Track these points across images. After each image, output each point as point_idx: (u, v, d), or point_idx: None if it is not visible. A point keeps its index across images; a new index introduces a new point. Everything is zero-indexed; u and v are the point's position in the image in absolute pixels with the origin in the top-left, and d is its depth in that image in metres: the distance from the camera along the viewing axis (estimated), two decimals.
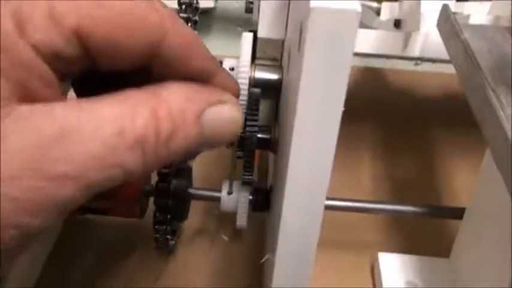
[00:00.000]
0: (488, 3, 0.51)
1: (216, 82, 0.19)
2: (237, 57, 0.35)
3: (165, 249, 0.40)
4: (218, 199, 0.37)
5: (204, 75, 0.18)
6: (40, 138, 0.15)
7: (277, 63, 0.38)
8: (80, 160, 0.15)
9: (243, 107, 0.33)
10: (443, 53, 0.38)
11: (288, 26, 0.35)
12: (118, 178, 0.16)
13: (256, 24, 0.36)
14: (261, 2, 0.35)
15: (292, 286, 0.27)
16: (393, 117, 0.58)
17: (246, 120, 0.33)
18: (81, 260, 0.41)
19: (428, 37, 0.46)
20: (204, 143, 0.17)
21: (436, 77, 0.63)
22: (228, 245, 0.43)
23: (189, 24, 0.36)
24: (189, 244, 0.43)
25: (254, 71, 0.35)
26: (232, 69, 0.34)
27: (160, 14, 0.17)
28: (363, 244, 0.43)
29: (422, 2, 0.47)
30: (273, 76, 0.35)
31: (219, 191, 0.37)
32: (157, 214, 0.37)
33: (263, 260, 0.29)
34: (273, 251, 0.27)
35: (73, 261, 0.40)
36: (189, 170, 0.39)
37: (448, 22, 0.37)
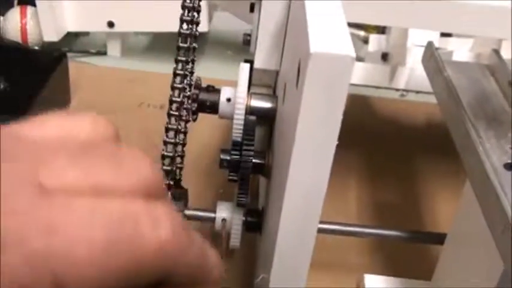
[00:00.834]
0: (471, 40, 0.54)
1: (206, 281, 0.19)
2: (233, 81, 0.37)
3: None
4: (213, 219, 0.38)
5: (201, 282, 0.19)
6: None
7: (271, 91, 0.41)
8: None
9: (240, 133, 0.35)
10: (427, 86, 0.40)
11: (284, 57, 0.37)
12: None
13: (253, 55, 0.39)
14: (259, 34, 0.37)
15: None
16: (379, 145, 0.60)
17: (242, 145, 0.35)
18: None
19: (413, 71, 0.48)
20: None
21: (420, 106, 0.65)
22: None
23: (190, 52, 0.38)
24: None
25: (250, 99, 0.37)
26: (229, 100, 0.36)
27: (172, 253, 0.17)
28: (350, 266, 0.45)
29: (408, 36, 0.50)
30: (268, 104, 0.37)
31: (214, 211, 0.38)
32: None
33: (258, 279, 0.31)
34: (268, 271, 0.28)
35: None
36: (185, 192, 0.41)
37: (432, 59, 0.40)
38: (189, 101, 0.37)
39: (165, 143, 0.37)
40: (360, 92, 0.67)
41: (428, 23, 0.41)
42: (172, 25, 0.41)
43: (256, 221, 0.38)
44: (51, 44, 0.71)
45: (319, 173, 0.23)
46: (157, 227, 0.16)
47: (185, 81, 0.37)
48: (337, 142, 0.23)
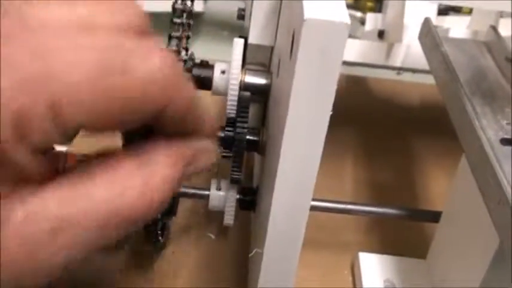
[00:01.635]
0: (468, 17, 0.54)
1: (201, 130, 0.20)
2: (227, 61, 0.36)
3: (157, 246, 0.41)
4: (206, 197, 0.38)
5: (194, 130, 0.20)
6: (36, 240, 0.16)
7: (265, 69, 0.40)
8: (72, 249, 0.16)
9: (234, 109, 0.35)
10: (424, 64, 0.40)
11: (278, 33, 0.37)
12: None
13: (248, 30, 0.38)
14: (253, 9, 0.36)
15: (279, 280, 0.28)
16: (375, 124, 0.60)
17: (236, 122, 0.34)
18: None
19: (410, 48, 0.48)
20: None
21: (416, 87, 0.65)
22: (214, 243, 0.44)
23: (184, 29, 0.37)
24: (176, 242, 0.44)
25: (244, 75, 0.36)
26: (223, 72, 0.36)
27: (162, 84, 0.17)
28: (345, 244, 0.45)
29: (405, 14, 0.49)
30: (262, 81, 0.37)
31: (207, 189, 0.38)
32: None
33: (252, 253, 0.31)
34: (261, 246, 0.28)
35: None
36: None
37: (429, 35, 0.39)
38: None
39: None
40: (357, 72, 0.66)
41: None
42: (167, 5, 0.40)
43: (251, 199, 0.38)
44: None
45: (313, 144, 0.23)
46: (147, 58, 0.16)
47: (178, 58, 0.37)
48: (331, 112, 0.22)
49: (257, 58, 0.40)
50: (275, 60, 0.36)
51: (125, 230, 0.17)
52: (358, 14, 0.75)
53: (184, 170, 0.19)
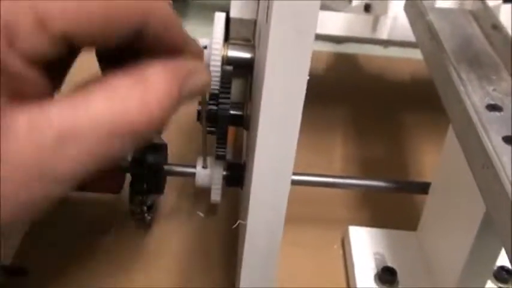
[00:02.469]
0: None
1: (187, 50, 0.20)
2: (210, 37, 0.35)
3: (142, 224, 0.41)
4: (193, 174, 0.38)
5: (180, 46, 0.20)
6: (40, 148, 0.16)
7: (250, 44, 0.39)
8: (78, 159, 0.16)
9: (216, 84, 0.34)
10: (411, 36, 0.39)
11: (260, 5, 0.36)
12: (107, 163, 0.17)
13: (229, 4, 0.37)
14: None
15: (263, 251, 0.28)
16: (364, 100, 0.59)
17: (219, 97, 0.34)
18: (58, 237, 0.41)
19: (396, 20, 0.47)
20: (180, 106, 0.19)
21: (404, 62, 0.65)
22: (203, 221, 0.44)
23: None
24: (165, 221, 0.44)
25: (227, 49, 0.36)
26: (205, 47, 0.35)
27: None
28: (335, 218, 0.45)
29: None
30: (246, 55, 0.36)
31: (194, 166, 0.38)
32: (134, 184, 0.37)
33: (235, 225, 0.30)
34: (245, 218, 0.28)
35: (50, 238, 0.41)
36: (165, 147, 0.40)
37: (414, 5, 0.39)
38: None
39: None
40: (346, 50, 0.66)
41: None
42: None
43: (238, 175, 0.38)
44: None
45: (291, 109, 0.22)
46: None
47: None
48: (308, 77, 0.22)
49: (241, 33, 0.40)
50: (257, 32, 0.35)
51: (129, 144, 0.17)
52: None
53: (180, 88, 0.19)
